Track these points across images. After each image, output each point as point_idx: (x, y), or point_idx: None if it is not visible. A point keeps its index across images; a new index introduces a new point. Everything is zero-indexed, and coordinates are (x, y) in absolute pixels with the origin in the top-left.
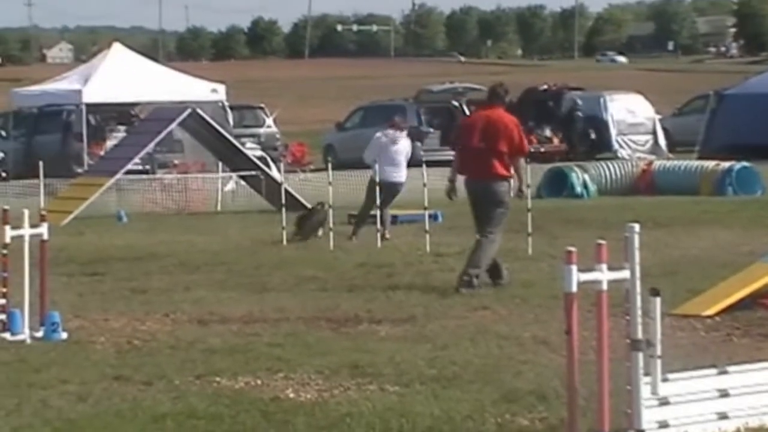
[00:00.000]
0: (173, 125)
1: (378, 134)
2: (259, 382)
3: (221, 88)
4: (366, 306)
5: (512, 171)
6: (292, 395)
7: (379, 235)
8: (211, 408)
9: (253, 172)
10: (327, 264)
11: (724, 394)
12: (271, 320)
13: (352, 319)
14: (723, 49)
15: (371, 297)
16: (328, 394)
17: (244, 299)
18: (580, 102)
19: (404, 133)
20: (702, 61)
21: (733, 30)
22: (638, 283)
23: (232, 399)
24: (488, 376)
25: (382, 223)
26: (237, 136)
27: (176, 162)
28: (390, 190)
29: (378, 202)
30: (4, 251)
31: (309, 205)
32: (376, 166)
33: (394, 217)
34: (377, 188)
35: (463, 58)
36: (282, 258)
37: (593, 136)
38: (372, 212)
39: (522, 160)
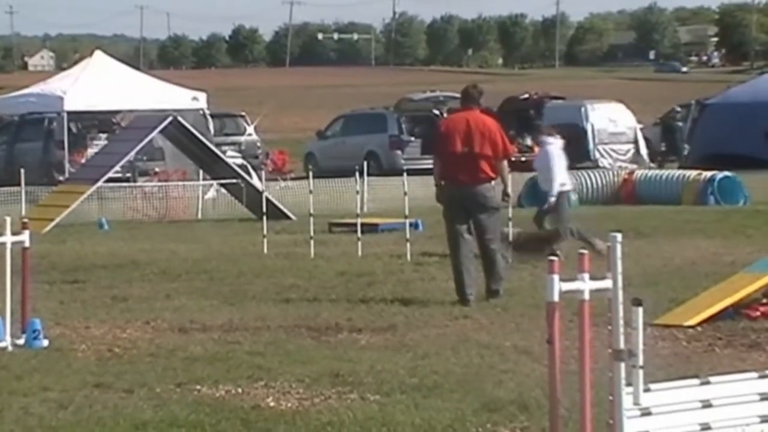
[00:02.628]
0: (154, 133)
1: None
2: (239, 390)
3: (202, 96)
4: (347, 315)
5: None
6: (272, 404)
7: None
8: (192, 416)
9: (234, 181)
10: (308, 273)
11: (706, 404)
12: (252, 328)
13: (332, 328)
14: (705, 58)
15: (352, 306)
16: (308, 402)
17: (224, 307)
18: (678, 109)
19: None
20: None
21: (714, 39)
22: (620, 292)
23: (212, 407)
24: (469, 386)
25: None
26: (218, 144)
27: (157, 170)
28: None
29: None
30: None
31: (290, 214)
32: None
33: (375, 226)
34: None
35: (685, 69)
36: (263, 266)
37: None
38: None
39: (505, 163)
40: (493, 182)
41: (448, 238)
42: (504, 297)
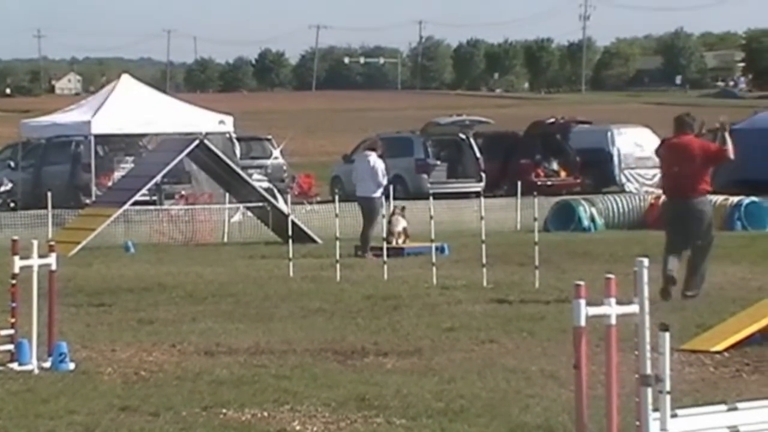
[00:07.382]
0: (181, 156)
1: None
2: (265, 414)
3: (229, 120)
4: (373, 338)
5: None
6: (298, 428)
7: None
8: None
9: (260, 204)
10: (334, 296)
11: (734, 430)
12: (278, 352)
13: (358, 352)
14: (731, 83)
15: (378, 329)
16: (334, 426)
17: (251, 330)
18: None
19: (373, 153)
20: (710, 96)
21: (741, 65)
22: (647, 317)
23: (238, 431)
24: (495, 410)
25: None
26: (244, 168)
27: (184, 193)
28: (360, 204)
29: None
30: (13, 281)
31: (316, 237)
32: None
33: (401, 250)
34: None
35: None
36: (289, 290)
37: None
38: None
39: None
40: (705, 195)
41: (665, 246)
42: (530, 321)
